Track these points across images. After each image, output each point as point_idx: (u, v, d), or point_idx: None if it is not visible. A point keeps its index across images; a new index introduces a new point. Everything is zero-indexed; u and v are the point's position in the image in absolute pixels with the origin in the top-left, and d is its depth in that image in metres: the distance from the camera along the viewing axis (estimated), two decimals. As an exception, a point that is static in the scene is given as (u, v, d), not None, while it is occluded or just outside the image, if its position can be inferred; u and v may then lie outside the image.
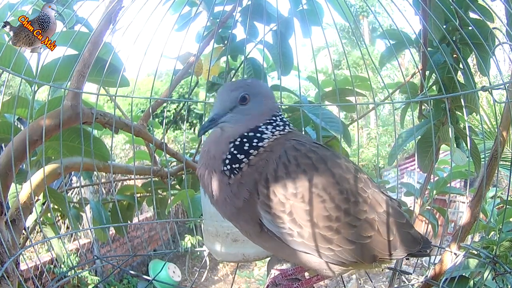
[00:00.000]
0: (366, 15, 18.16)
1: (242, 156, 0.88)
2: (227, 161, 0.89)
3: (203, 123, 0.97)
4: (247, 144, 0.89)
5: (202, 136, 1.05)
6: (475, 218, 1.51)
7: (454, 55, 1.81)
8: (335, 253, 0.88)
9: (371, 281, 1.58)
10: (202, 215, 1.49)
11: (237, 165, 0.88)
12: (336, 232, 0.86)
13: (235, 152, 0.89)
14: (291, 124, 0.97)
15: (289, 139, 0.92)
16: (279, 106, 0.98)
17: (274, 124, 0.93)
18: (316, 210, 0.85)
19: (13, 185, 1.48)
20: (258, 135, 0.90)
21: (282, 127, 0.93)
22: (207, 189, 0.94)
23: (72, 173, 2.87)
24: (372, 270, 1.01)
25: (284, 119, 0.96)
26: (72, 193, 4.93)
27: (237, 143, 0.89)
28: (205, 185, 0.94)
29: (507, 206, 1.72)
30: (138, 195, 2.33)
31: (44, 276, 3.86)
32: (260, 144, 0.89)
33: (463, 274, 1.49)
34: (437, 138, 1.83)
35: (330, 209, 0.85)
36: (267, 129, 0.91)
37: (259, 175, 0.87)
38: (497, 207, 2.24)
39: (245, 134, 0.90)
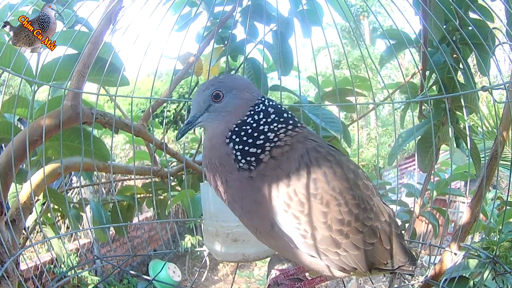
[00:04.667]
0: (366, 15, 18.15)
1: (254, 150, 0.87)
2: (239, 157, 0.88)
3: (181, 126, 0.97)
4: (246, 138, 0.88)
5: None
6: (475, 218, 1.51)
7: (454, 55, 1.81)
8: (340, 258, 0.89)
9: (371, 281, 1.58)
10: (202, 215, 1.49)
11: (253, 158, 0.87)
12: (346, 236, 0.87)
13: (240, 147, 0.88)
14: (289, 112, 0.94)
15: (307, 138, 0.92)
16: (262, 95, 0.95)
17: (261, 114, 0.90)
18: (331, 213, 0.85)
19: (13, 185, 1.48)
20: (248, 127, 0.89)
21: (286, 121, 0.91)
22: (224, 197, 0.93)
23: (72, 173, 2.87)
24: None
25: (272, 103, 0.93)
26: (72, 193, 4.93)
27: (237, 139, 0.89)
28: (221, 193, 0.93)
29: (507, 207, 1.72)
30: (138, 196, 2.33)
31: (44, 276, 3.86)
32: (273, 136, 0.88)
33: (463, 274, 1.49)
34: (437, 138, 1.83)
35: (344, 213, 0.86)
36: (256, 119, 0.90)
37: (281, 172, 0.86)
38: (497, 208, 2.24)
39: (236, 129, 0.89)
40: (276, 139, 0.88)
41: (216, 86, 0.92)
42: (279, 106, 0.94)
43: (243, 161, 0.87)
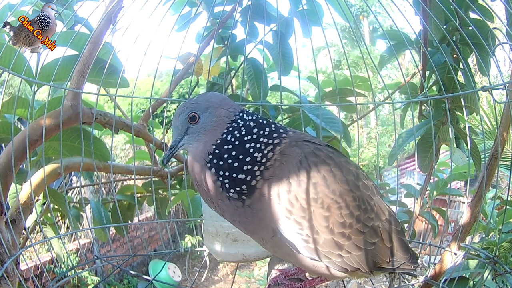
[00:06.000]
0: (366, 15, 18.15)
1: (243, 176, 0.85)
2: (226, 186, 0.85)
3: (165, 153, 0.97)
4: (231, 161, 0.85)
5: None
6: (475, 218, 1.51)
7: (454, 55, 1.81)
8: (343, 260, 0.89)
9: (371, 281, 1.58)
10: (202, 215, 1.49)
11: (244, 186, 0.85)
12: (348, 238, 0.87)
13: (226, 174, 0.85)
14: (272, 123, 0.91)
15: (302, 140, 0.91)
16: (242, 108, 0.93)
17: (243, 130, 0.88)
18: (333, 216, 0.85)
19: (13, 185, 1.48)
20: (230, 146, 0.86)
21: (270, 135, 0.89)
22: (225, 217, 0.93)
23: (72, 173, 2.87)
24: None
25: (253, 117, 0.90)
26: (72, 193, 4.93)
27: (220, 163, 0.86)
28: (221, 214, 0.93)
29: (507, 207, 1.72)
30: (139, 195, 2.33)
31: (44, 276, 3.87)
32: (260, 157, 0.86)
33: (463, 275, 1.49)
34: (437, 138, 1.83)
35: (345, 215, 0.86)
36: (237, 137, 0.87)
37: (279, 180, 0.85)
38: (497, 208, 2.25)
39: (216, 151, 0.87)
40: (264, 159, 0.86)
41: (190, 108, 0.92)
42: (260, 119, 0.91)
43: (232, 190, 0.85)
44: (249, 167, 0.85)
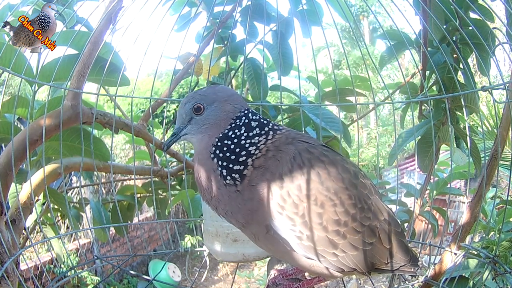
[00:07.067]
0: (366, 15, 18.15)
1: (238, 167, 0.88)
2: (224, 173, 0.89)
3: (167, 138, 1.00)
4: (229, 154, 0.89)
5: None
6: (475, 218, 1.51)
7: (454, 55, 1.81)
8: (338, 259, 0.88)
9: (371, 281, 1.57)
10: (202, 215, 1.49)
11: (236, 175, 0.88)
12: (343, 237, 0.87)
13: (224, 164, 0.89)
14: (272, 124, 0.94)
15: (296, 139, 0.92)
16: (248, 107, 0.96)
17: (242, 128, 0.91)
18: (327, 213, 0.85)
19: (13, 185, 1.48)
20: (230, 142, 0.90)
21: (267, 133, 0.91)
22: (218, 212, 0.94)
23: (72, 173, 2.87)
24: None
25: (256, 117, 0.93)
26: (72, 193, 4.93)
27: (220, 154, 0.90)
28: (215, 208, 0.94)
29: (507, 206, 1.72)
30: (138, 195, 2.33)
31: (44, 276, 3.87)
32: (254, 150, 0.89)
33: (463, 274, 1.49)
34: (437, 138, 1.83)
35: (340, 213, 0.86)
36: (237, 134, 0.90)
37: (272, 175, 0.86)
38: (497, 207, 2.25)
39: (218, 144, 0.90)
40: (257, 151, 0.89)
41: (197, 99, 0.94)
42: (262, 120, 0.94)
43: (228, 177, 0.88)
44: (244, 158, 0.88)
